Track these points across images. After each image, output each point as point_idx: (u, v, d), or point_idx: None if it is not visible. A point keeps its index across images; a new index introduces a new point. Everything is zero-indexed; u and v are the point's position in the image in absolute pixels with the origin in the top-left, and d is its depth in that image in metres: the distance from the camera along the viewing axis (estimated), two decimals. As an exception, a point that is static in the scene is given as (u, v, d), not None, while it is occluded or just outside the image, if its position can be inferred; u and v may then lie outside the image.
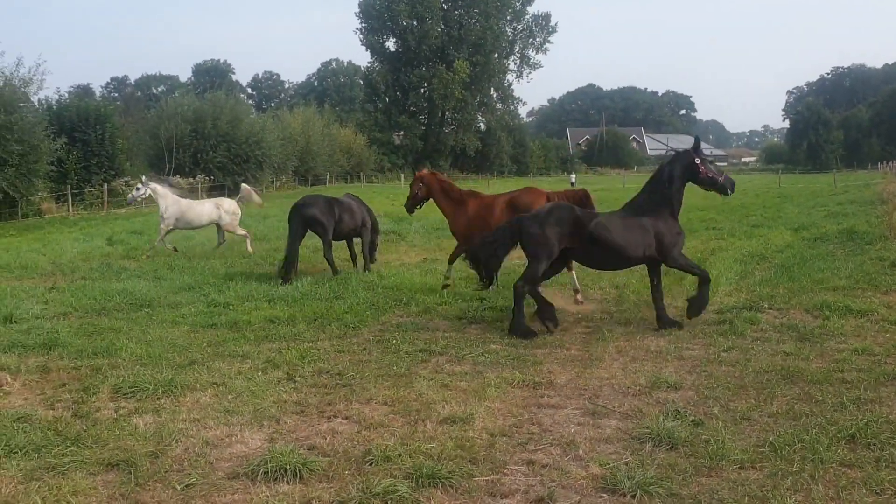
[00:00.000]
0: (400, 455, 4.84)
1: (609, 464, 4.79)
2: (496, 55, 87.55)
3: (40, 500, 4.24)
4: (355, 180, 67.43)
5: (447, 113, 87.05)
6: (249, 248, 16.71)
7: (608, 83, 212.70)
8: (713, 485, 4.47)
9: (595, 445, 5.15)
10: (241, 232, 17.24)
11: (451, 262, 11.94)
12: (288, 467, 4.58)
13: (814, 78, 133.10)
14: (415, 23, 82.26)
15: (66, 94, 43.72)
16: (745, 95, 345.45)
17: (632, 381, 6.61)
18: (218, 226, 17.12)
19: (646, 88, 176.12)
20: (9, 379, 6.78)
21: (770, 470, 4.64)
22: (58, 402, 6.16)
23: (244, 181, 45.10)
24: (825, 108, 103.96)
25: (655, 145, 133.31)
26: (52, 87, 75.39)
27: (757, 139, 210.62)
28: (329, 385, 6.55)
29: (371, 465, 4.73)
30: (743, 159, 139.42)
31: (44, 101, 34.96)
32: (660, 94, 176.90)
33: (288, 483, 4.49)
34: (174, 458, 4.88)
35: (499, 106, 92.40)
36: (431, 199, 12.22)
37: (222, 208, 16.93)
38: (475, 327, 8.91)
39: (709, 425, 5.41)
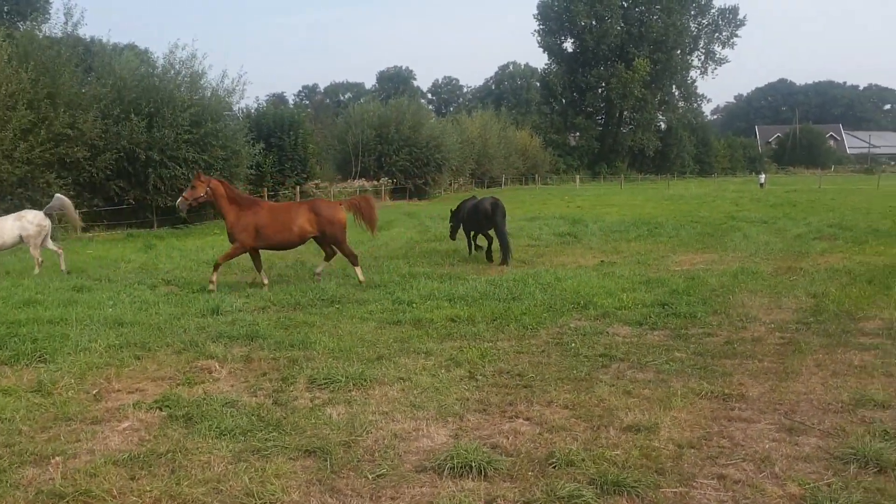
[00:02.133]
0: (583, 460, 4.80)
1: (809, 484, 4.49)
2: (679, 52, 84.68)
3: (248, 479, 4.60)
4: (530, 182, 67.58)
5: (625, 113, 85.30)
6: (62, 267, 14.41)
7: (801, 77, 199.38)
8: (931, 516, 4.08)
9: (792, 464, 4.84)
10: (37, 254, 14.32)
11: (216, 266, 12.52)
12: (473, 464, 4.68)
13: None
14: (593, 22, 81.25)
15: (263, 103, 47.19)
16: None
17: (833, 398, 6.16)
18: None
19: (844, 82, 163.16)
20: (217, 366, 7.40)
21: None
22: (260, 389, 6.64)
23: (424, 184, 46.64)
24: None
25: (856, 143, 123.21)
26: (251, 96, 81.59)
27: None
28: (510, 385, 6.61)
29: (554, 467, 4.73)
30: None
31: (244, 110, 37.83)
32: (861, 88, 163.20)
33: (473, 480, 4.58)
34: (365, 449, 5.12)
35: (681, 104, 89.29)
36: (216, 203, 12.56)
37: (25, 219, 14.37)
38: (657, 334, 8.65)
39: (924, 450, 4.93)
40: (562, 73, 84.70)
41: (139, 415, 5.98)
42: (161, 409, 6.08)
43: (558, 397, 6.21)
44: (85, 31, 54.46)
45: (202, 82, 29.35)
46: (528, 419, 5.73)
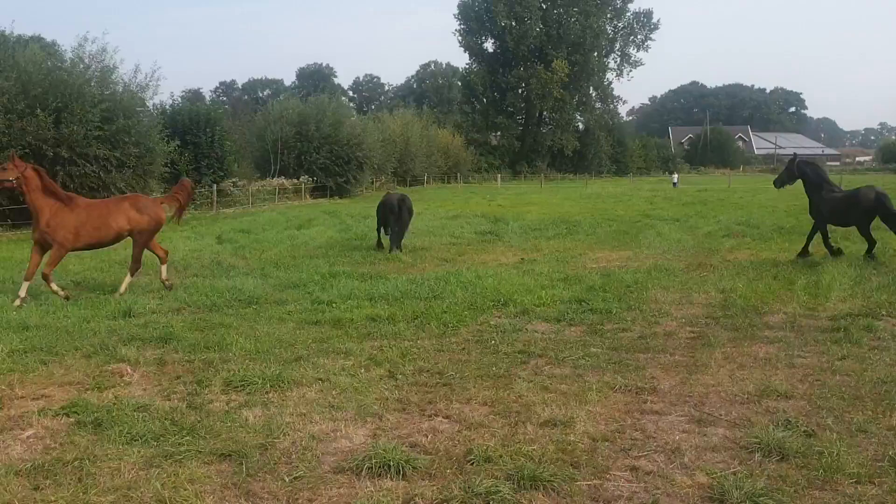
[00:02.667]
0: (501, 456, 4.86)
1: (716, 473, 4.66)
2: (596, 54, 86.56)
3: (160, 485, 4.47)
4: (452, 181, 67.94)
5: (545, 113, 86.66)
6: None
7: (712, 80, 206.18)
8: (827, 499, 4.30)
9: (701, 454, 5.02)
10: None
11: (44, 278, 11.06)
12: (391, 464, 4.67)
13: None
14: (513, 23, 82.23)
15: (179, 99, 45.92)
16: (859, 92, 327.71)
17: (740, 389, 6.40)
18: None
19: (753, 85, 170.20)
20: (129, 370, 7.17)
21: (890, 486, 4.42)
22: (173, 393, 6.46)
23: (345, 182, 46.32)
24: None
25: (763, 144, 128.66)
26: (166, 92, 79.20)
27: (873, 137, 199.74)
28: (429, 384, 6.63)
29: (472, 464, 4.76)
30: (857, 159, 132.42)
31: (158, 106, 36.72)
32: (768, 91, 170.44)
33: (391, 479, 4.58)
34: (282, 451, 5.05)
35: (598, 105, 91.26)
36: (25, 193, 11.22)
37: None
38: (574, 330, 8.83)
39: (822, 437, 5.19)
40: (483, 72, 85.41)
41: (44, 422, 5.74)
42: (68, 416, 5.85)
43: (477, 394, 6.26)
44: (-14, 22, 51.99)
45: (114, 77, 28.33)
46: (447, 417, 5.75)
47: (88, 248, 12.36)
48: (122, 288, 11.72)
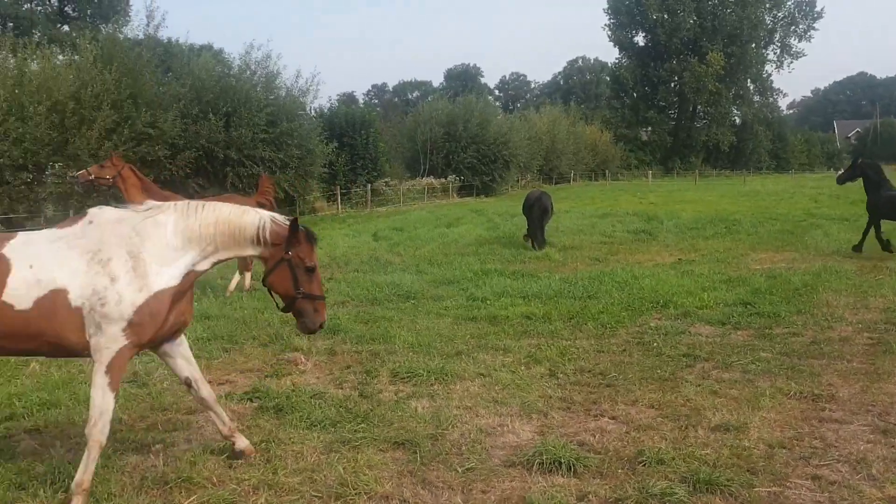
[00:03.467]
0: (673, 459, 4.78)
1: (910, 488, 4.37)
2: (753, 45, 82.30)
3: (341, 469, 4.72)
4: (600, 178, 66.80)
5: (699, 107, 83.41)
6: None
7: (883, 70, 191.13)
8: None
9: (890, 466, 4.73)
10: None
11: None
12: (562, 461, 4.71)
13: None
14: (665, 16, 79.69)
15: (335, 102, 47.89)
16: None
17: (930, 400, 5.96)
18: None
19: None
20: (303, 359, 7.61)
21: None
22: (345, 382, 6.79)
23: (491, 180, 46.66)
24: None
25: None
26: (324, 96, 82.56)
27: None
28: (592, 384, 6.60)
29: (644, 466, 4.72)
30: None
31: (317, 109, 38.41)
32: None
33: (563, 476, 4.61)
34: (452, 443, 5.20)
35: (756, 98, 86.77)
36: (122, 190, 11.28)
37: None
38: (741, 333, 8.49)
39: None
40: (633, 67, 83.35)
41: (231, 405, 6.19)
42: (251, 401, 6.29)
43: (643, 397, 6.17)
44: (164, 33, 56.30)
45: (277, 82, 29.90)
46: (613, 418, 5.72)
47: None
48: (232, 285, 11.75)
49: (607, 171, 68.71)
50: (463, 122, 46.07)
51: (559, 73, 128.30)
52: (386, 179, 39.86)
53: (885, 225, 15.09)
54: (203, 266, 4.77)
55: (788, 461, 4.80)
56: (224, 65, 30.59)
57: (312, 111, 35.67)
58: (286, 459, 4.95)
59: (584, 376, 6.83)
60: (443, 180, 44.31)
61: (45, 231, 4.87)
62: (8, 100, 21.28)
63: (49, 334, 4.43)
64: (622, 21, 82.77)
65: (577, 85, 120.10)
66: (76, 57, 25.41)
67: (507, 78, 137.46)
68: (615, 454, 4.94)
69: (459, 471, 4.72)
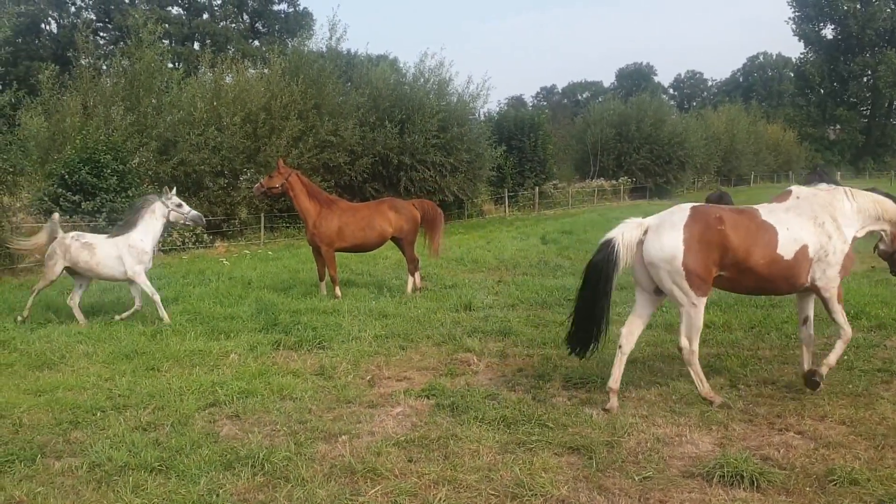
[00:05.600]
0: (868, 480, 4.49)
1: None
2: (961, 33, 74.47)
3: (517, 470, 4.81)
4: (783, 179, 62.90)
5: (896, 103, 76.62)
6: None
7: None
8: None
9: None
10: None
11: (333, 280, 11.80)
12: (744, 474, 4.54)
13: None
14: (858, 5, 73.81)
15: (504, 106, 48.34)
16: None
17: None
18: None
19: None
20: (475, 360, 7.79)
21: None
22: (518, 384, 6.88)
23: (665, 182, 45.27)
24: None
25: None
26: (493, 100, 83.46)
27: None
28: (776, 396, 6.30)
29: (835, 485, 4.46)
30: None
31: (486, 113, 38.97)
32: None
33: (745, 490, 4.45)
34: (629, 450, 5.14)
35: (963, 91, 78.41)
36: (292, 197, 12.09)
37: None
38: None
39: None
40: (820, 61, 77.85)
41: (410, 401, 6.46)
42: (429, 398, 6.52)
43: (833, 412, 5.81)
44: (345, 45, 59.27)
45: (449, 89, 30.67)
46: (799, 433, 5.43)
47: (354, 250, 12.67)
48: (409, 288, 12.20)
49: (791, 173, 64.60)
50: (635, 123, 45.17)
51: (738, 69, 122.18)
52: (554, 182, 39.74)
53: None
54: (860, 234, 6.57)
55: None
56: (399, 73, 31.75)
57: (482, 115, 36.24)
58: (464, 457, 5.10)
59: (767, 388, 6.52)
60: (613, 182, 43.57)
61: (765, 205, 6.73)
62: (207, 111, 23.27)
63: (792, 278, 6.28)
64: (808, 13, 77.54)
65: (757, 82, 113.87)
66: (266, 70, 27.36)
67: (683, 76, 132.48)
68: (802, 471, 4.69)
69: (636, 479, 4.67)
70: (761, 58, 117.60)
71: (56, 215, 10.77)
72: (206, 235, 21.24)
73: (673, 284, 6.07)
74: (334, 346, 8.37)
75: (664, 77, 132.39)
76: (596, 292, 6.34)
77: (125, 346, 8.51)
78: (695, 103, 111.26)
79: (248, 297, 11.77)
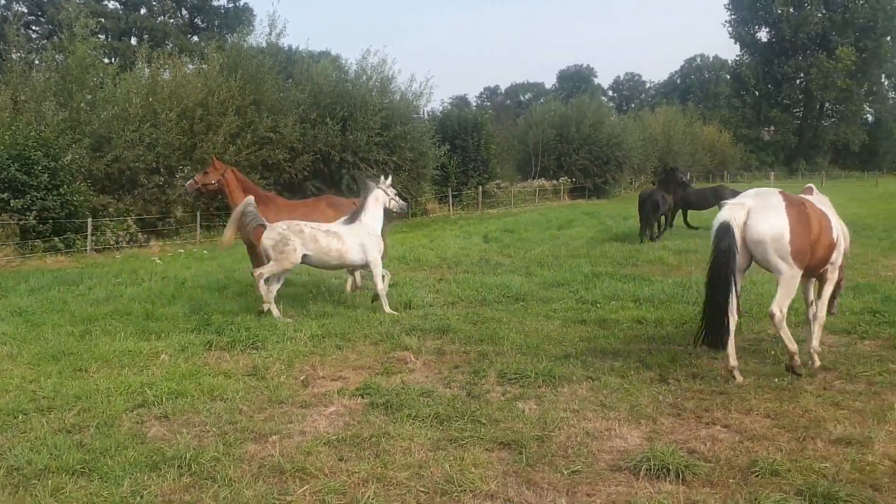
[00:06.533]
0: (789, 470, 4.61)
1: None
2: (889, 38, 77.44)
3: (448, 466, 4.81)
4: (718, 179, 64.46)
5: (827, 105, 79.31)
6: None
7: None
8: None
9: None
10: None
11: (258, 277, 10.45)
12: (670, 467, 4.62)
13: None
14: (791, 10, 76.25)
15: (448, 105, 48.44)
16: None
17: None
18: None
19: None
20: (412, 358, 7.76)
21: None
22: (453, 381, 6.88)
23: (603, 182, 46.00)
24: None
25: None
26: (436, 99, 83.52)
27: None
28: (704, 391, 6.43)
29: (757, 476, 4.57)
30: None
31: (430, 112, 39.01)
32: None
33: (671, 483, 4.53)
34: (559, 445, 5.19)
35: (891, 95, 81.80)
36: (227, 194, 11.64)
37: None
38: (868, 343, 8.04)
39: None
40: (755, 64, 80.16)
41: (343, 401, 6.40)
42: (363, 397, 6.48)
43: (758, 406, 5.96)
44: (285, 41, 58.44)
45: (392, 86, 30.62)
46: (726, 426, 5.55)
47: None
48: (348, 287, 12.14)
49: (726, 173, 66.33)
50: (575, 124, 45.72)
51: (676, 72, 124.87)
52: (497, 181, 39.99)
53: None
54: None
55: (918, 479, 4.53)
56: (341, 70, 31.55)
57: (425, 114, 36.26)
58: (395, 454, 5.08)
59: (696, 383, 6.65)
60: (554, 182, 44.04)
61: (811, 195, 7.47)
62: (143, 107, 22.73)
63: (829, 259, 7.11)
64: (744, 17, 79.82)
65: (694, 84, 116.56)
66: (204, 66, 26.87)
67: (622, 78, 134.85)
68: (727, 463, 4.79)
69: (565, 473, 4.71)
70: (698, 60, 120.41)
71: None
72: (140, 234, 20.75)
73: (779, 259, 6.66)
74: (268, 347, 8.25)
75: (604, 79, 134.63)
76: (726, 281, 6.64)
77: (52, 347, 8.27)
78: (633, 105, 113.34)
79: (181, 297, 11.54)
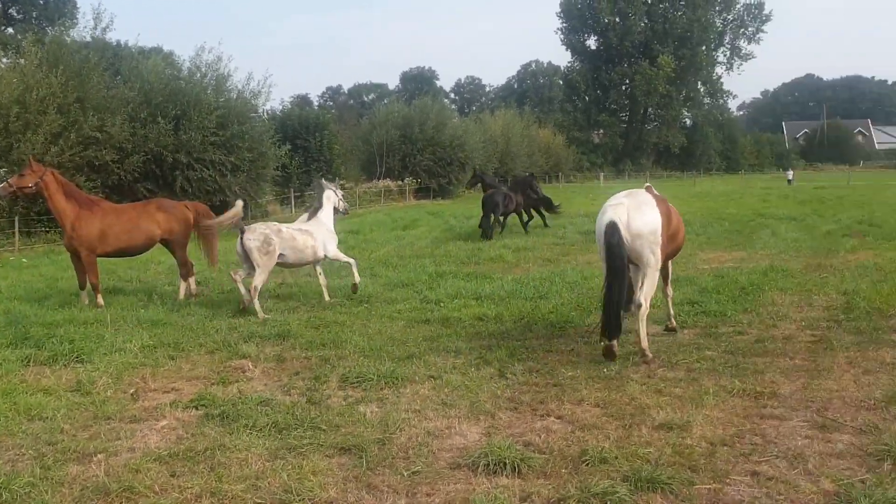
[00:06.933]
0: (616, 458, 4.84)
1: (843, 480, 4.49)
2: (704, 48, 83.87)
3: (286, 476, 4.68)
4: (553, 180, 67.30)
5: (650, 109, 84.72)
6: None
7: (829, 72, 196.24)
8: (970, 513, 4.05)
9: (826, 460, 4.84)
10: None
11: (95, 288, 10.98)
12: (507, 461, 4.73)
13: None
14: (617, 19, 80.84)
15: (288, 104, 47.57)
16: None
17: (865, 395, 6.14)
18: None
19: (873, 77, 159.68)
20: (250, 366, 7.52)
21: None
22: (293, 388, 6.73)
23: (447, 182, 46.77)
24: None
25: (885, 138, 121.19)
26: (277, 98, 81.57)
27: None
28: (540, 384, 6.65)
29: (587, 465, 4.76)
30: None
31: (269, 112, 38.09)
32: (889, 83, 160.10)
33: (507, 477, 4.63)
34: (399, 446, 5.18)
35: (706, 100, 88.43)
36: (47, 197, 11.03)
37: None
38: (687, 332, 8.63)
39: (961, 446, 4.90)
40: (585, 70, 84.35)
41: (176, 413, 6.10)
42: (197, 408, 6.20)
43: (589, 396, 6.23)
44: (112, 36, 55.07)
45: (228, 85, 29.56)
46: (559, 417, 5.76)
47: (119, 255, 11.83)
48: (181, 294, 11.63)
49: (560, 174, 69.29)
50: (419, 125, 46.14)
51: (513, 76, 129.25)
52: (342, 182, 39.60)
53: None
54: None
55: (729, 458, 4.89)
56: (174, 67, 30.17)
57: (265, 113, 35.38)
58: (230, 467, 4.88)
59: (533, 376, 6.87)
60: (399, 182, 44.28)
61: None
62: (-50, 103, 20.69)
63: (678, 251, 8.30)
64: (574, 25, 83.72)
65: (530, 88, 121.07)
66: (21, 60, 24.82)
67: (463, 81, 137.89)
68: (559, 454, 4.97)
69: (405, 474, 4.71)
70: (533, 66, 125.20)
71: None
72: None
73: (650, 251, 7.30)
74: (94, 360, 7.72)
75: (446, 82, 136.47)
76: (622, 271, 7.26)
77: None
78: (474, 107, 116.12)
79: (-5, 309, 10.59)
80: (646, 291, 7.39)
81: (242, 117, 28.97)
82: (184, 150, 26.08)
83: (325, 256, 11.22)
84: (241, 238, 10.42)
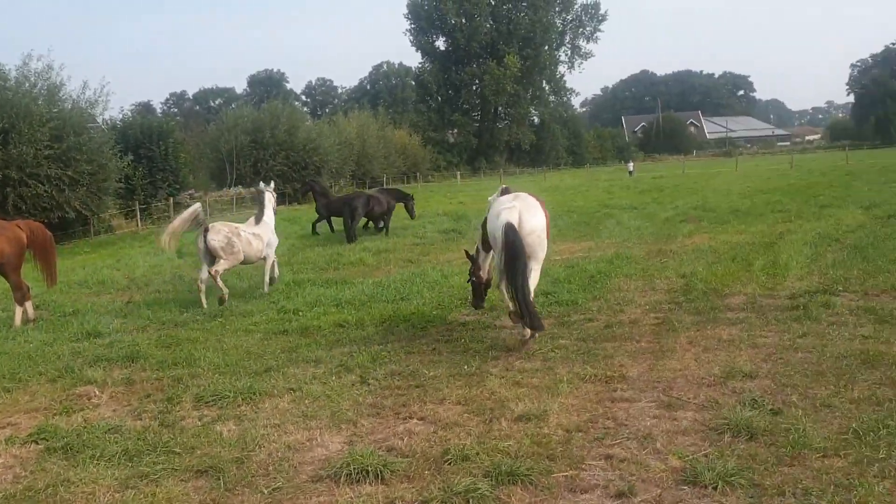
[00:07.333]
0: (478, 454, 4.90)
1: (688, 456, 4.76)
2: (546, 47, 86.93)
3: (138, 506, 4.44)
4: (412, 180, 67.78)
5: (500, 108, 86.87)
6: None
7: (662, 68, 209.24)
8: (796, 474, 4.41)
9: (672, 438, 5.12)
10: None
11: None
12: (369, 469, 4.69)
13: (878, 49, 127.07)
14: (463, 20, 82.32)
15: (129, 113, 45.23)
16: (806, 72, 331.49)
17: (706, 372, 6.54)
18: None
19: (701, 71, 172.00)
20: (97, 392, 7.08)
21: (855, 457, 4.55)
22: (144, 412, 6.40)
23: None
24: (893, 80, 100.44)
25: (714, 129, 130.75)
26: (116, 106, 77.56)
27: (821, 116, 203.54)
28: (402, 386, 6.65)
29: (450, 464, 4.80)
30: (807, 137, 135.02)
31: (109, 121, 36.06)
32: (716, 76, 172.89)
33: (370, 484, 4.59)
34: (259, 464, 5.03)
35: (551, 98, 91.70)
36: None
37: None
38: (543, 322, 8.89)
39: (788, 414, 5.32)
40: (436, 71, 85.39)
41: (13, 451, 5.65)
42: (37, 443, 5.77)
43: (451, 394, 6.30)
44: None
45: (61, 94, 27.78)
46: (422, 419, 5.78)
47: None
48: (17, 320, 10.81)
49: (418, 174, 69.87)
50: (270, 129, 45.19)
51: (365, 77, 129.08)
52: (190, 191, 38.25)
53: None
54: None
55: (584, 444, 5.07)
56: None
57: (104, 123, 33.49)
58: (75, 502, 4.58)
59: (395, 379, 6.87)
60: (252, 189, 43.09)
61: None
62: None
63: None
64: (422, 26, 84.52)
65: (383, 90, 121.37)
66: None
67: (314, 83, 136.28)
68: (422, 455, 4.99)
69: (265, 492, 4.58)
70: (385, 66, 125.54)
71: None
72: None
73: (540, 247, 8.00)
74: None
75: (296, 84, 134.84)
76: (524, 265, 7.65)
77: None
78: (327, 110, 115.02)
79: None
80: (534, 285, 7.96)
81: (79, 128, 27.30)
82: (14, 165, 24.28)
83: (265, 258, 12.28)
84: (205, 236, 11.27)
